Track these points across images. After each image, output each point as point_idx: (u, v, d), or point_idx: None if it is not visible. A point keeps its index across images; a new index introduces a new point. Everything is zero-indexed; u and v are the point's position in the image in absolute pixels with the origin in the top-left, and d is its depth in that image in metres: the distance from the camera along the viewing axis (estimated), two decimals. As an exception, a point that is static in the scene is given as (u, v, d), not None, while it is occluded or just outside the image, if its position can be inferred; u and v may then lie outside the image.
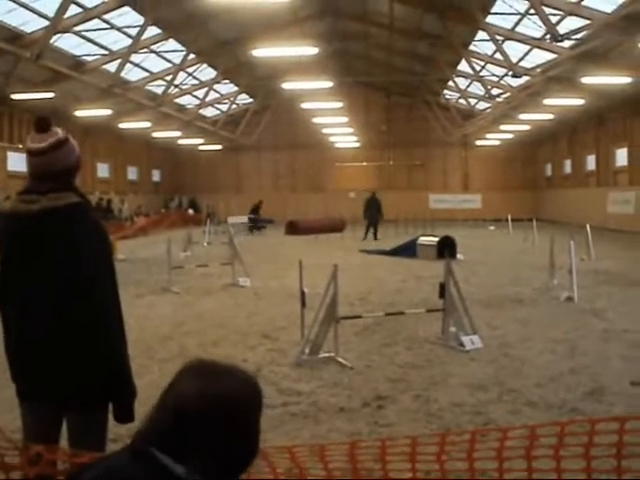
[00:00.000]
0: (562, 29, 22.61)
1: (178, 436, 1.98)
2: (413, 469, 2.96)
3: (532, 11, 23.83)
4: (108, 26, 28.93)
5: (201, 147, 53.74)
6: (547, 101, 32.80)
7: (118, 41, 30.77)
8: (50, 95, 29.47)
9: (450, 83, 42.95)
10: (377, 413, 7.36)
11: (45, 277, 3.62)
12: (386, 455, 2.95)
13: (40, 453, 3.12)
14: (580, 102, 32.49)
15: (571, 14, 24.52)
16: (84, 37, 29.46)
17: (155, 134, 45.56)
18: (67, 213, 3.65)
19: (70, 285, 3.59)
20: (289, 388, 8.24)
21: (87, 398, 3.65)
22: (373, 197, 35.48)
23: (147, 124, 40.33)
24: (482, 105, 43.63)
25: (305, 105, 39.36)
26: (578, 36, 23.75)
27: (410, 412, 7.37)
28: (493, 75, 36.07)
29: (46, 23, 25.78)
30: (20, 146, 34.42)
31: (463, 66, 37.31)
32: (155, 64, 36.07)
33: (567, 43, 25.67)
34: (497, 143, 51.77)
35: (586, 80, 27.44)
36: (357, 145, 54.41)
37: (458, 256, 22.74)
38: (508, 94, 37.12)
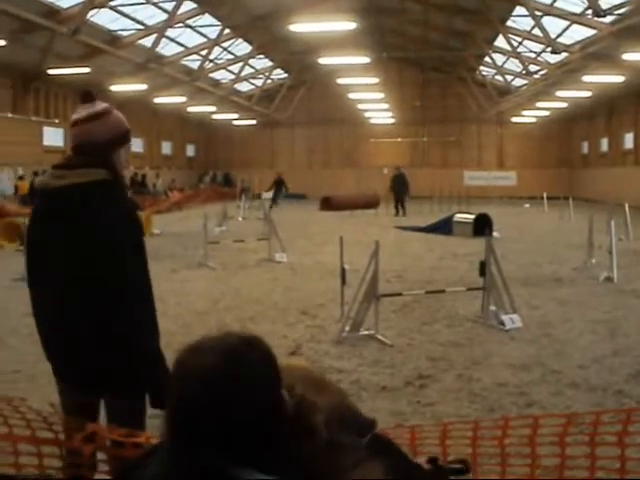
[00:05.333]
0: (604, 4, 22.23)
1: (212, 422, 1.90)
2: (474, 453, 2.91)
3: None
4: (144, 1, 28.95)
5: (235, 122, 53.78)
6: (585, 78, 32.34)
7: (154, 16, 30.84)
8: (86, 70, 29.58)
9: (486, 59, 42.52)
10: (419, 392, 7.32)
11: (69, 256, 3.52)
12: (446, 438, 2.90)
13: (95, 431, 3.11)
14: (620, 79, 31.97)
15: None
16: (120, 12, 29.54)
17: (189, 109, 45.65)
18: (89, 190, 3.53)
19: (88, 264, 3.48)
20: (331, 366, 8.20)
21: (120, 383, 3.56)
22: (399, 173, 35.43)
23: (182, 99, 40.40)
24: (518, 82, 43.11)
25: (340, 80, 39.16)
26: (620, 11, 23.35)
27: (453, 392, 7.32)
28: (531, 51, 35.64)
29: (83, -2, 25.84)
30: (56, 121, 34.64)
31: (500, 42, 36.93)
32: (190, 39, 36.14)
33: (608, 19, 25.23)
34: (533, 120, 51.18)
35: (627, 56, 26.96)
36: (392, 121, 54.06)
37: (494, 234, 22.56)
38: (545, 71, 36.68)
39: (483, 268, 10.50)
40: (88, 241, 3.48)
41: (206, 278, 15.14)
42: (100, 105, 3.74)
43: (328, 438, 2.25)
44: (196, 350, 1.99)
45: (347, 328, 9.52)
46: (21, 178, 31.24)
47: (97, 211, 3.52)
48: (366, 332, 9.54)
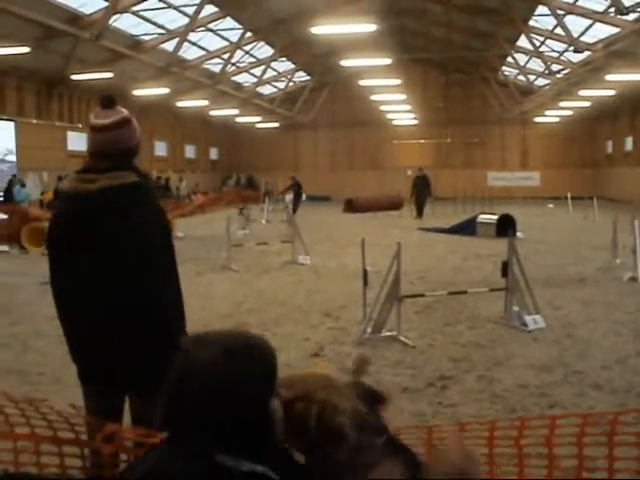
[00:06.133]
0: (627, 1, 22.07)
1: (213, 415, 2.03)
2: (490, 454, 2.92)
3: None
4: (165, 5, 29.09)
5: (258, 125, 53.89)
6: (609, 77, 32.03)
7: (175, 20, 30.94)
8: (109, 75, 29.76)
9: (509, 59, 42.35)
10: (441, 393, 7.32)
11: (103, 258, 3.60)
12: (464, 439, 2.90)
13: (115, 432, 3.15)
14: (644, 77, 31.75)
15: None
16: (142, 17, 29.67)
17: (212, 112, 45.76)
18: (125, 193, 3.62)
19: (128, 266, 3.58)
20: (352, 367, 8.20)
21: (148, 380, 3.58)
22: (422, 175, 35.15)
23: (204, 102, 40.49)
24: (541, 81, 42.88)
25: (363, 82, 39.12)
26: (643, 9, 23.21)
27: (474, 393, 7.32)
28: (553, 51, 35.46)
29: (105, 4, 26.06)
30: (80, 126, 34.86)
31: (522, 42, 36.77)
32: (212, 42, 36.25)
33: (631, 16, 25.06)
34: (556, 120, 50.84)
35: (651, 54, 26.81)
36: (415, 122, 53.93)
37: (518, 234, 22.46)
38: (568, 70, 36.47)
39: (505, 269, 10.48)
40: (126, 242, 3.58)
41: (229, 281, 15.19)
42: (122, 111, 3.79)
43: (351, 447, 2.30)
44: (200, 341, 2.15)
45: (369, 329, 9.53)
46: (42, 193, 31.14)
47: (134, 212, 3.62)
48: (388, 333, 9.55)
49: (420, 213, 33.66)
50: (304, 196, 41.25)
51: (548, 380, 7.67)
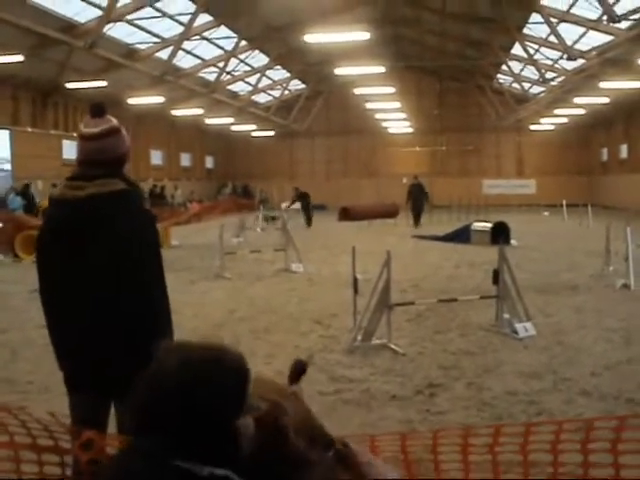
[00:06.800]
0: (619, 10, 22.17)
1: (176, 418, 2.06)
2: (465, 460, 2.92)
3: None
4: (160, 14, 29.12)
5: (254, 133, 53.90)
6: (603, 84, 32.09)
7: (170, 29, 31.00)
8: (103, 84, 29.77)
9: (504, 67, 42.46)
10: (429, 401, 7.32)
11: (91, 264, 3.61)
12: (437, 446, 2.91)
13: (92, 439, 3.15)
14: (637, 85, 31.74)
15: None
16: (136, 25, 29.70)
17: (208, 121, 45.82)
18: (113, 200, 3.64)
19: (116, 273, 3.59)
20: (342, 375, 8.22)
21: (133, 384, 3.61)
22: (416, 183, 35.00)
23: (200, 111, 40.53)
24: (536, 89, 42.98)
25: (357, 90, 39.17)
26: (636, 16, 23.27)
27: (462, 400, 7.32)
28: (547, 58, 35.54)
29: (99, 13, 26.09)
30: (75, 134, 34.79)
31: (517, 50, 36.84)
32: (207, 51, 36.32)
33: (624, 24, 25.14)
34: (551, 128, 50.92)
35: (644, 62, 26.87)
36: (410, 130, 54.00)
37: (512, 242, 22.50)
38: (563, 78, 36.56)
39: (496, 276, 10.50)
40: (114, 248, 3.59)
41: (223, 289, 15.18)
42: (111, 120, 3.82)
43: (297, 451, 2.31)
44: (172, 350, 2.20)
45: (359, 337, 9.53)
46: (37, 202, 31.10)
47: (123, 218, 3.64)
48: (378, 341, 9.55)
49: (417, 221, 33.47)
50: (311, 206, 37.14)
51: (537, 387, 7.67)
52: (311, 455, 2.30)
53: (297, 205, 36.26)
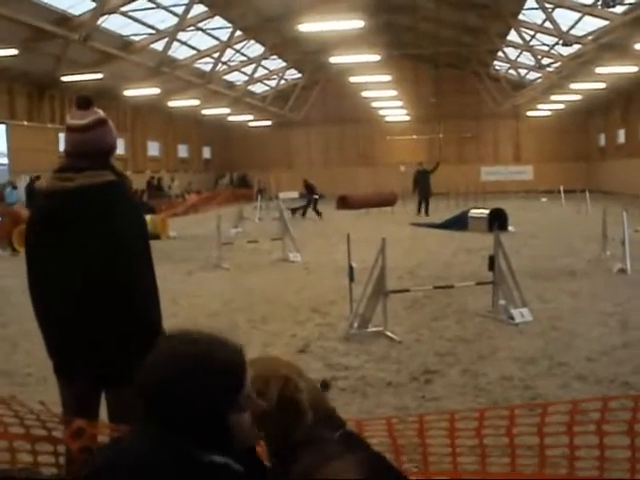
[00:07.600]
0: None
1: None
2: (452, 444, 2.95)
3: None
4: (154, 5, 29.09)
5: (251, 123, 53.83)
6: (599, 69, 32.05)
7: (165, 20, 30.99)
8: (99, 76, 29.76)
9: (500, 54, 42.44)
10: (425, 387, 7.34)
11: (81, 254, 3.63)
12: (424, 431, 2.93)
13: (82, 427, 3.17)
14: (634, 69, 31.71)
15: (623, -22, 23.97)
16: (131, 17, 29.67)
17: (204, 111, 45.74)
18: (103, 191, 3.66)
19: (106, 262, 3.61)
20: (338, 363, 8.25)
21: (123, 372, 3.61)
22: (422, 170, 34.98)
23: (196, 102, 40.46)
24: (532, 75, 42.97)
25: (354, 79, 39.11)
26: (631, 0, 23.22)
27: (458, 386, 7.34)
28: (543, 44, 35.53)
29: (93, 5, 26.04)
30: (71, 127, 34.76)
31: (513, 36, 36.83)
32: (202, 42, 36.28)
33: (619, 9, 25.10)
34: (548, 113, 50.85)
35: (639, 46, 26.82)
36: (407, 118, 53.94)
37: (510, 228, 22.53)
38: (559, 63, 36.52)
39: (492, 262, 10.51)
40: (105, 239, 3.62)
41: (220, 279, 15.20)
42: (98, 111, 3.83)
43: (307, 430, 2.33)
44: (165, 343, 2.22)
45: (355, 325, 9.56)
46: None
47: (113, 210, 3.67)
48: (375, 329, 9.57)
49: (426, 210, 32.94)
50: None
51: (532, 372, 7.69)
52: (323, 434, 2.34)
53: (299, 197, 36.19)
